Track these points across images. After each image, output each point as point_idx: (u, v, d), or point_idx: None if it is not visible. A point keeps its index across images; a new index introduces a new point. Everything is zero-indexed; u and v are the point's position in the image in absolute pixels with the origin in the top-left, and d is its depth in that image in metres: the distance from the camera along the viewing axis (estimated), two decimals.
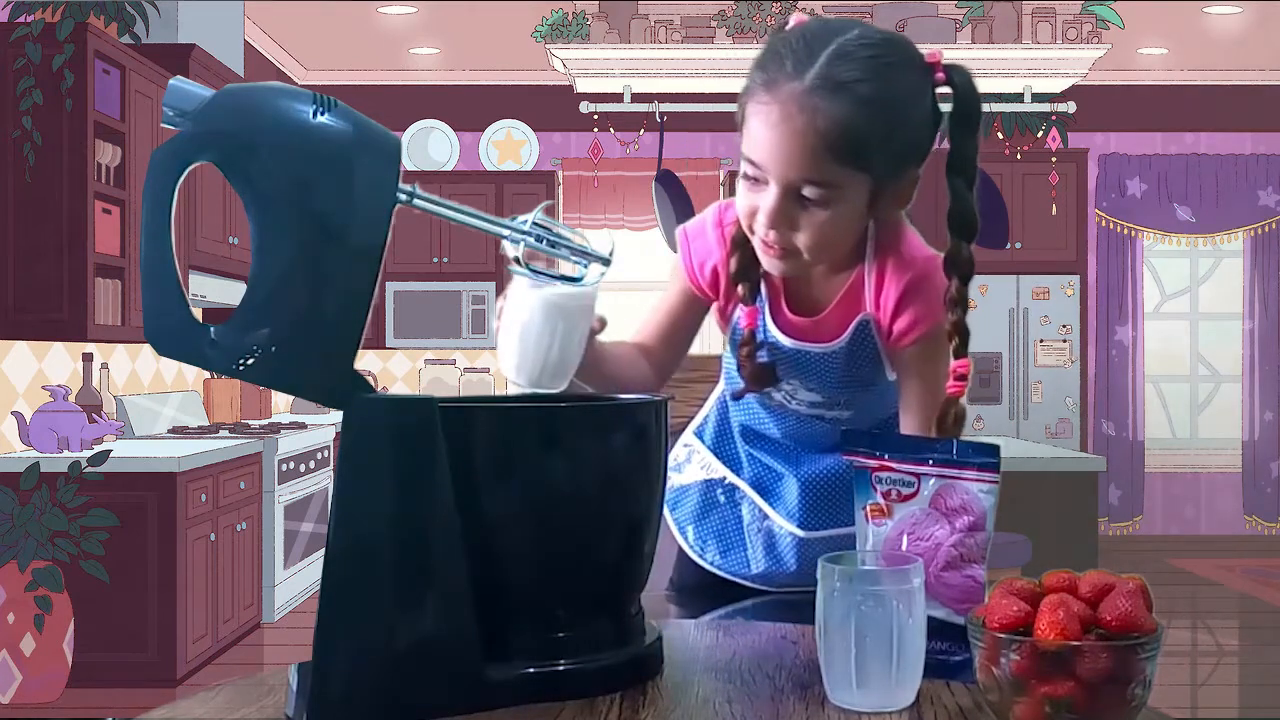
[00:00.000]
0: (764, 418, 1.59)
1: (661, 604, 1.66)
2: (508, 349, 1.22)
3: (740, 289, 1.43)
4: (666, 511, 1.68)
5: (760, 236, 1.32)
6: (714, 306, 1.54)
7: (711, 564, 1.65)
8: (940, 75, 1.27)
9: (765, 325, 1.46)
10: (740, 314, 1.45)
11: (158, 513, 4.18)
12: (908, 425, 1.44)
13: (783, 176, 1.26)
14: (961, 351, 1.30)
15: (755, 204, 1.30)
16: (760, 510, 1.61)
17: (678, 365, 1.59)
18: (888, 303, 1.39)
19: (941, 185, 1.30)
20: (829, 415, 1.53)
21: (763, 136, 1.26)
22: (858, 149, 1.24)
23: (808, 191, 1.26)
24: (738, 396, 1.55)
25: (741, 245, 1.40)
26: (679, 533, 1.68)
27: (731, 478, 1.65)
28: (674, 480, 1.69)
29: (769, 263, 1.36)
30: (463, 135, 7.29)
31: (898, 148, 1.28)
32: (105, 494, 3.96)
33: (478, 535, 1.00)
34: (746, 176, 1.30)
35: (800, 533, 1.57)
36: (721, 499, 1.65)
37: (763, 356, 1.46)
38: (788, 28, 1.30)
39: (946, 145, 1.32)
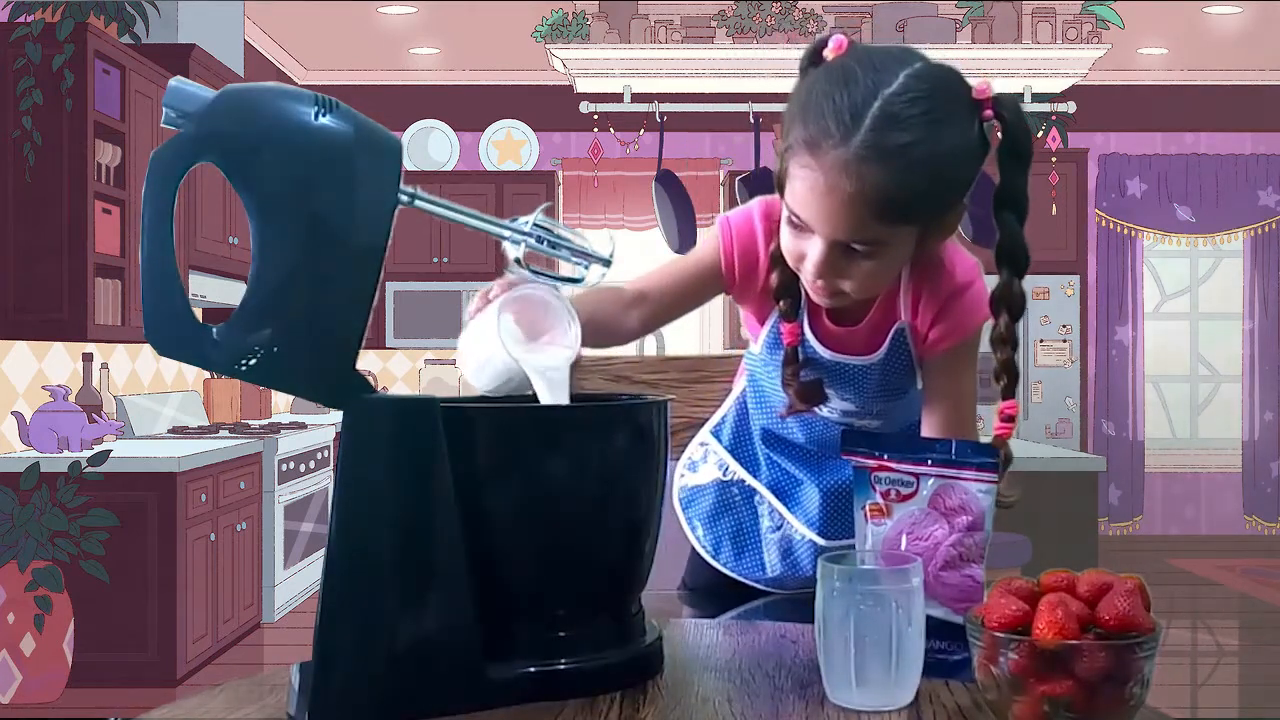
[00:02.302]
0: (789, 423, 1.57)
1: (674, 604, 1.66)
2: (466, 363, 1.21)
3: (782, 304, 1.41)
4: (680, 510, 1.68)
5: (808, 281, 1.31)
6: (745, 309, 1.52)
7: (725, 565, 1.64)
8: (988, 113, 1.22)
9: (804, 337, 1.45)
10: (783, 330, 1.43)
11: (158, 513, 4.18)
12: (929, 428, 1.43)
13: (830, 237, 1.24)
14: (1010, 392, 1.27)
15: (802, 250, 1.28)
16: (778, 515, 1.61)
17: (664, 325, 1.55)
18: (928, 311, 1.38)
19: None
20: (859, 424, 1.52)
21: (808, 200, 1.22)
22: (907, 210, 1.21)
23: (856, 246, 1.24)
24: (784, 416, 1.52)
25: (781, 262, 1.37)
26: (691, 532, 1.67)
27: (749, 480, 1.63)
28: (688, 479, 1.68)
29: (817, 298, 1.35)
30: (463, 135, 7.29)
31: (947, 196, 1.25)
32: (105, 494, 3.97)
33: (478, 535, 1.00)
34: (791, 222, 1.27)
35: (821, 541, 1.56)
36: (738, 500, 1.64)
37: (809, 375, 1.44)
38: (826, 53, 1.24)
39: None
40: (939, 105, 1.19)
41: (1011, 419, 1.24)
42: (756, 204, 1.47)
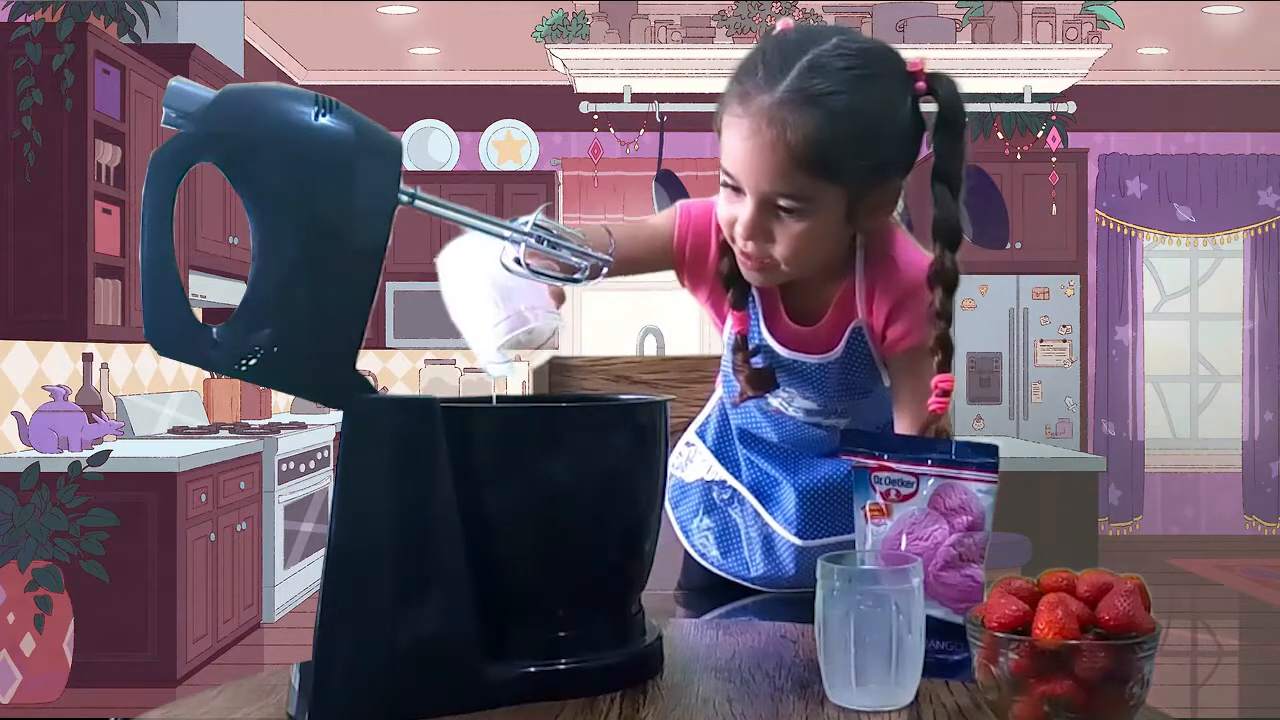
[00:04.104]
0: (761, 423, 1.58)
1: (670, 604, 1.66)
2: (452, 265, 1.19)
3: (730, 294, 1.42)
4: (670, 510, 1.68)
5: (739, 247, 1.32)
6: (705, 301, 1.53)
7: (713, 564, 1.64)
8: (921, 85, 1.25)
9: (761, 334, 1.45)
10: (732, 318, 1.44)
11: (158, 513, 4.18)
12: (902, 427, 1.43)
13: (756, 189, 1.25)
14: (945, 366, 1.27)
15: (734, 215, 1.30)
16: (758, 515, 1.61)
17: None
18: (881, 310, 1.38)
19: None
20: (825, 423, 1.52)
21: (735, 150, 1.25)
22: (829, 162, 1.22)
23: (782, 203, 1.25)
24: (737, 403, 1.54)
25: (729, 250, 1.39)
26: (681, 532, 1.68)
27: (731, 480, 1.64)
28: (676, 478, 1.69)
29: (748, 274, 1.36)
30: (463, 135, 7.29)
31: (872, 159, 1.26)
32: (105, 494, 3.97)
33: (478, 535, 1.00)
34: (725, 185, 1.30)
35: (798, 542, 1.57)
36: (722, 499, 1.65)
37: (759, 362, 1.46)
38: (774, 34, 1.28)
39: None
40: (867, 65, 1.23)
41: (947, 393, 1.25)
42: (717, 197, 1.48)
